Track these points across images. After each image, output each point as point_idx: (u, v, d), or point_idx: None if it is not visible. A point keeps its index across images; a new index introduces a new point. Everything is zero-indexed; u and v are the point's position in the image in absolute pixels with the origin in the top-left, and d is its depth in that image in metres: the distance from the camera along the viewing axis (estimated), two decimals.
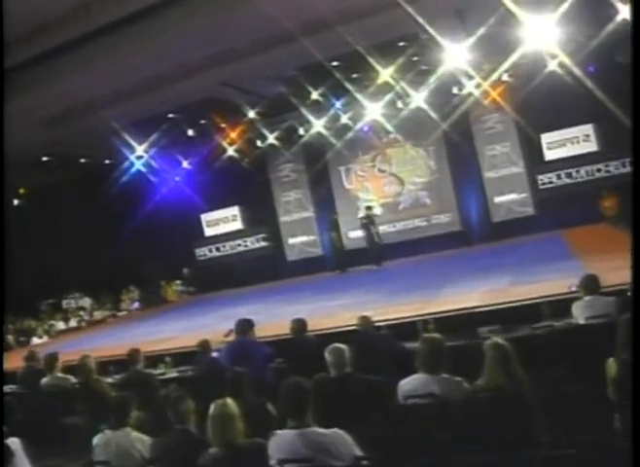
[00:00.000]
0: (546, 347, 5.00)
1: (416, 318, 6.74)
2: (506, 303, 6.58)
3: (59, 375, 7.01)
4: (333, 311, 8.93)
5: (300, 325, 6.44)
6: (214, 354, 6.59)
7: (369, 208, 15.68)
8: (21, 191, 17.92)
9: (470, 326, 6.22)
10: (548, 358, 4.75)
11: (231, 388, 4.42)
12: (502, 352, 3.81)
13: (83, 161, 17.49)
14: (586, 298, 5.22)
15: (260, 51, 12.35)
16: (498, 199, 15.72)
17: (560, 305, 5.89)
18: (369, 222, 15.32)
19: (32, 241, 17.02)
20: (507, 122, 15.52)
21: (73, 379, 6.91)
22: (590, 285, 5.26)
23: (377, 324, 6.45)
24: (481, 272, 9.81)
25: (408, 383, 4.02)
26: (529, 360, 4.05)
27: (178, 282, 18.53)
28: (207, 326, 9.89)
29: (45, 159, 16.76)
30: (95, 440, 4.11)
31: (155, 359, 7.79)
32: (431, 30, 11.46)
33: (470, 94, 14.71)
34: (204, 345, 6.60)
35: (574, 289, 5.64)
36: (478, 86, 14.53)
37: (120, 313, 16.63)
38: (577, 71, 12.50)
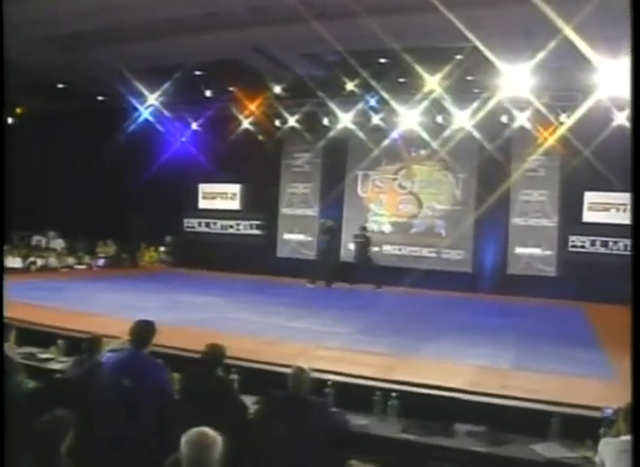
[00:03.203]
0: None
1: (379, 383, 5.07)
2: (503, 396, 4.87)
3: None
4: (285, 335, 7.36)
5: (214, 353, 4.67)
6: (108, 356, 4.94)
7: (364, 228, 14.27)
8: (18, 110, 16.36)
9: (446, 416, 4.58)
10: None
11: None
12: None
13: (100, 98, 16.06)
14: (625, 438, 3.50)
15: (304, 20, 10.66)
16: (519, 250, 14.03)
17: (578, 426, 4.23)
18: (365, 242, 13.96)
19: (19, 166, 15.47)
20: (552, 168, 13.83)
21: None
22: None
23: (323, 377, 4.82)
24: (481, 334, 8.14)
25: None
26: None
27: (160, 249, 17.03)
28: (145, 310, 8.28)
29: (60, 86, 15.32)
30: None
31: (52, 338, 6.24)
32: (490, 55, 10.05)
33: (520, 128, 13.10)
34: (93, 344, 4.96)
35: (608, 413, 3.98)
36: (530, 120, 12.96)
37: (79, 266, 15.00)
38: None
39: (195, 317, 8.14)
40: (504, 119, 13.15)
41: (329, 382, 4.85)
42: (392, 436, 4.22)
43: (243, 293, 11.71)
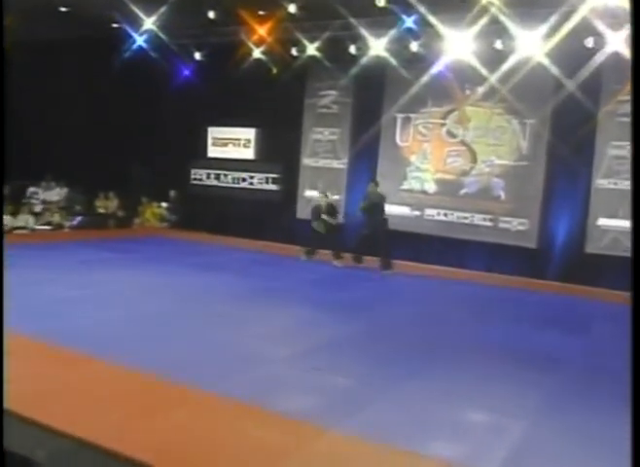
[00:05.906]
0: None
1: None
2: None
3: None
4: (179, 363, 4.60)
5: None
6: None
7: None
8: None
9: None
10: None
11: None
12: None
13: (115, 26, 13.38)
14: None
15: None
16: (604, 222, 10.53)
17: None
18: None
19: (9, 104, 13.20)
20: None
21: None
22: None
23: None
24: (503, 369, 5.03)
25: None
26: None
27: (163, 205, 14.56)
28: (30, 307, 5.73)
29: (63, 9, 12.72)
30: None
31: None
32: None
33: (612, 55, 9.53)
34: None
35: None
36: (627, 43, 9.30)
37: (43, 227, 12.52)
38: None
39: (87, 320, 5.53)
40: (590, 43, 9.73)
41: None
42: None
43: (208, 272, 9.04)
